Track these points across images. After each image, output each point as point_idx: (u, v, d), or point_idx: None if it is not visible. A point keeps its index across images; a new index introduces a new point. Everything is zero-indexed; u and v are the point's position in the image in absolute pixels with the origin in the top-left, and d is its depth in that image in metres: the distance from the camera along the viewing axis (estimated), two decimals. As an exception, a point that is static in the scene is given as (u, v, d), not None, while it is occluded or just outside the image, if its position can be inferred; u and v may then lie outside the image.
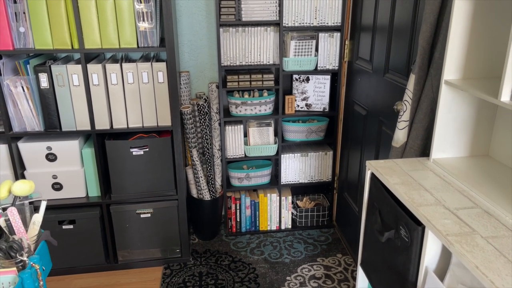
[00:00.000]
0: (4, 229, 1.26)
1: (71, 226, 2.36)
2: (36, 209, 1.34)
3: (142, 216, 2.43)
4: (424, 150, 1.61)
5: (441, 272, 1.20)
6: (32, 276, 1.19)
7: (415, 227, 1.19)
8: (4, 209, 1.27)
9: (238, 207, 2.82)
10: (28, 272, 1.19)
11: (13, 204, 1.29)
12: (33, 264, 1.21)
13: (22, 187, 1.29)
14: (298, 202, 2.97)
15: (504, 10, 1.31)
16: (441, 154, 1.49)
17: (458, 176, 1.36)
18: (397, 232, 1.29)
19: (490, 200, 1.21)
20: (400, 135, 1.67)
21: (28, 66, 2.12)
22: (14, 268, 1.19)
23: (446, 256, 1.19)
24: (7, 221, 1.25)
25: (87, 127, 2.25)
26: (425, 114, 1.56)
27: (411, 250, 1.21)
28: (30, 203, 1.35)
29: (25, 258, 1.21)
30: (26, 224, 1.32)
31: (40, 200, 1.34)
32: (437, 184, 1.34)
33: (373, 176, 1.50)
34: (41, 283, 1.23)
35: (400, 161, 1.53)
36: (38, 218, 1.31)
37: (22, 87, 2.13)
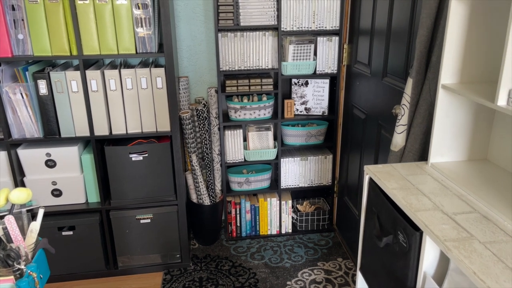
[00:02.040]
0: (2, 237, 1.26)
1: (70, 232, 2.36)
2: (33, 217, 1.33)
3: (141, 221, 2.43)
4: (423, 154, 1.61)
5: (440, 277, 1.19)
6: (29, 285, 1.19)
7: (413, 233, 1.18)
8: (2, 217, 1.27)
9: (238, 212, 2.82)
10: (25, 280, 1.19)
11: (10, 212, 1.28)
12: (31, 273, 1.21)
13: (19, 195, 1.29)
14: (298, 206, 2.96)
15: (501, 14, 1.30)
16: (439, 158, 1.48)
17: (456, 181, 1.35)
18: (395, 237, 1.29)
19: (488, 204, 1.21)
20: (398, 139, 1.66)
21: (27, 73, 2.13)
22: (12, 277, 1.19)
23: (444, 262, 1.18)
24: (5, 229, 1.25)
25: (86, 133, 2.25)
26: (423, 118, 1.56)
27: (409, 255, 1.21)
28: (28, 211, 1.35)
29: (22, 267, 1.21)
30: (23, 232, 1.32)
31: (38, 208, 1.33)
32: (435, 188, 1.34)
33: (371, 181, 1.50)
34: (39, 291, 1.22)
35: (398, 165, 1.53)
36: (35, 226, 1.31)
37: (21, 94, 2.13)
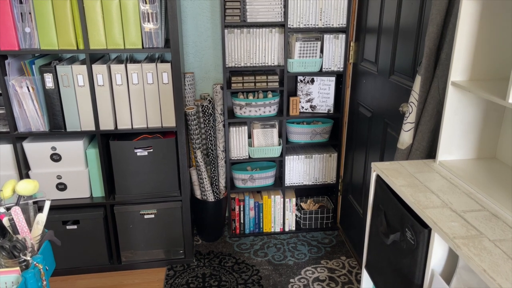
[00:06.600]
0: (8, 228, 1.26)
1: (75, 227, 2.36)
2: (40, 209, 1.33)
3: (146, 217, 2.43)
4: (430, 152, 1.60)
5: (448, 275, 1.18)
6: (35, 276, 1.19)
7: (421, 230, 1.18)
8: (8, 209, 1.27)
9: (242, 209, 2.82)
10: (31, 271, 1.18)
11: (17, 204, 1.28)
12: (37, 264, 1.21)
13: (26, 187, 1.29)
14: (302, 204, 2.96)
15: (512, 11, 1.29)
16: (448, 156, 1.47)
17: (465, 179, 1.34)
18: (402, 234, 1.28)
19: (497, 203, 1.20)
20: (405, 137, 1.65)
21: (33, 66, 2.13)
22: (18, 268, 1.19)
23: (452, 259, 1.17)
24: (11, 220, 1.25)
25: (92, 127, 2.25)
26: (431, 116, 1.55)
27: (417, 252, 1.20)
28: (34, 202, 1.35)
29: (28, 258, 1.21)
30: (30, 224, 1.32)
31: (44, 200, 1.33)
32: (443, 186, 1.33)
33: (378, 178, 1.49)
34: (44, 283, 1.22)
35: (406, 163, 1.52)
36: (42, 218, 1.31)
37: (28, 87, 2.13)
